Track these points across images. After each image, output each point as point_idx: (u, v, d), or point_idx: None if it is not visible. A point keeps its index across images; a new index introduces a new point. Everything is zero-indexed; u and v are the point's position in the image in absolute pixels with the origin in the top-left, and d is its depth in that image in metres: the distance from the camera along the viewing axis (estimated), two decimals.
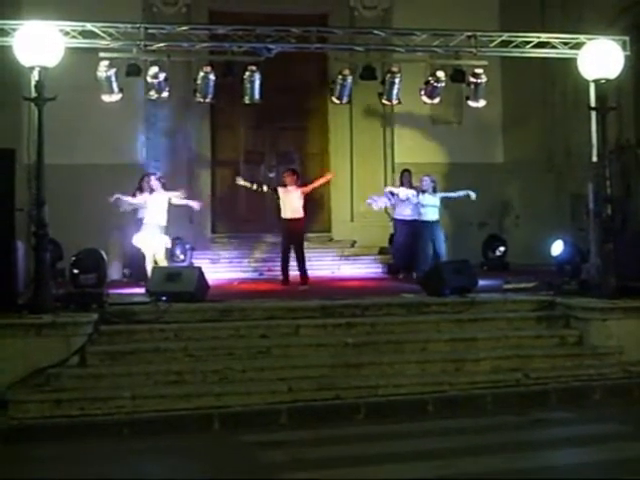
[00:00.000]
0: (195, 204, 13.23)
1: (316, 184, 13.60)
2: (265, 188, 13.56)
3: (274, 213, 14.20)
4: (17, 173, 9.63)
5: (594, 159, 11.29)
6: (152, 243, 12.72)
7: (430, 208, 13.58)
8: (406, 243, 14.29)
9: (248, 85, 12.75)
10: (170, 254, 13.85)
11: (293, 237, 13.21)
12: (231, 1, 16.47)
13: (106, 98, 12.48)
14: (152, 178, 13.08)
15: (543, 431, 8.05)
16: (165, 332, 9.52)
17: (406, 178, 14.59)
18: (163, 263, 12.68)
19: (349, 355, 9.42)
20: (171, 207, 12.90)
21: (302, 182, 13.49)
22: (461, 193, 13.63)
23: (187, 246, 14.89)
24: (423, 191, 13.63)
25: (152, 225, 12.73)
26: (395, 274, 14.71)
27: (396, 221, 14.64)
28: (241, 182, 13.74)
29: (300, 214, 13.17)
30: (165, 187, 12.97)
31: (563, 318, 10.43)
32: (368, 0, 17.00)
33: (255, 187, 13.62)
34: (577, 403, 8.88)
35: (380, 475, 6.77)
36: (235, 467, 7.04)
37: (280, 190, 13.26)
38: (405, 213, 14.27)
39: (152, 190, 12.93)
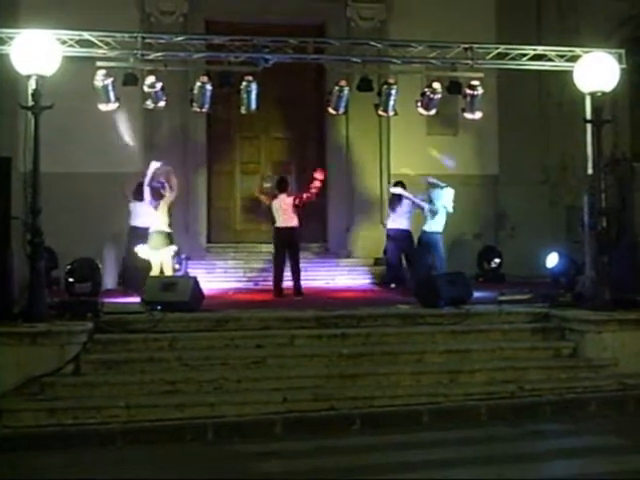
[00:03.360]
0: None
1: (311, 192, 13.66)
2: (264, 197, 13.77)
3: (268, 222, 14.22)
4: (13, 181, 9.63)
5: (589, 172, 11.31)
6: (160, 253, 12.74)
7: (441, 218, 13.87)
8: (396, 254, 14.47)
9: (245, 95, 12.76)
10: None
11: (290, 246, 13.27)
12: (228, 11, 16.46)
13: (103, 107, 12.47)
14: (173, 176, 13.07)
15: (537, 443, 8.04)
16: (160, 341, 9.51)
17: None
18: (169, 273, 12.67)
19: (344, 366, 9.42)
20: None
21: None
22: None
23: (182, 256, 14.84)
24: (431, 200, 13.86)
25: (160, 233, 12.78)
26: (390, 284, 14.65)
27: (395, 231, 14.66)
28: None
29: (294, 222, 13.23)
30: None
31: (558, 330, 10.43)
32: (365, 11, 17.02)
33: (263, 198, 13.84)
34: (572, 415, 8.87)
35: None
36: (229, 477, 7.02)
37: (275, 201, 13.40)
38: (394, 223, 14.49)
39: (162, 195, 12.92)
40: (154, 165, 13.02)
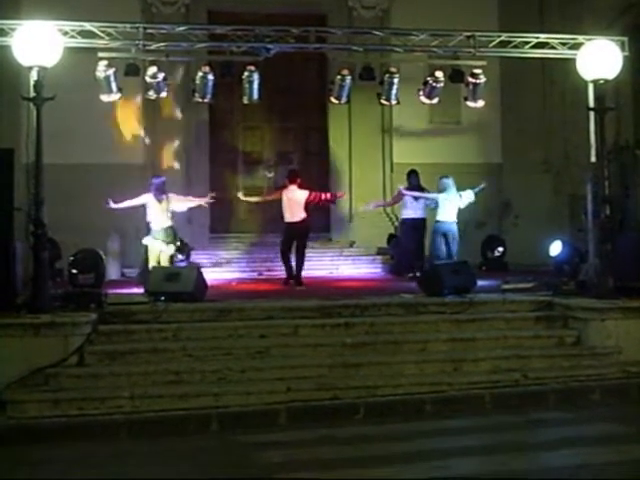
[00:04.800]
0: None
1: (323, 197, 13.58)
2: (269, 197, 13.76)
3: (272, 213, 14.23)
4: (16, 173, 9.63)
5: (592, 159, 11.29)
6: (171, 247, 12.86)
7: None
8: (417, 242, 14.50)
9: (247, 85, 12.76)
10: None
11: (299, 239, 13.22)
12: (230, 1, 16.47)
13: (105, 98, 12.48)
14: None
15: (541, 431, 8.05)
16: (163, 332, 9.51)
17: (414, 179, 14.62)
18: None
19: (348, 355, 9.42)
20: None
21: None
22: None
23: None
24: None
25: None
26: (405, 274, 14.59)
27: (415, 220, 14.64)
28: (243, 197, 13.86)
29: (303, 215, 13.17)
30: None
31: (561, 318, 10.42)
32: (367, 0, 17.00)
33: (260, 199, 13.87)
34: (575, 403, 8.88)
35: (378, 476, 6.76)
36: (233, 467, 7.03)
37: (284, 192, 13.28)
38: (417, 213, 14.50)
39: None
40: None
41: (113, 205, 12.52)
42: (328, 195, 13.83)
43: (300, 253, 13.23)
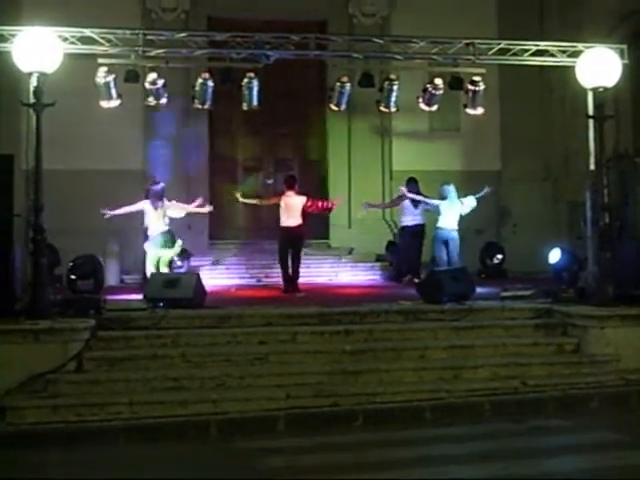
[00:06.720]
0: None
1: (321, 205, 13.62)
2: (268, 201, 13.82)
3: (270, 220, 14.23)
4: (15, 179, 9.63)
5: (592, 167, 11.31)
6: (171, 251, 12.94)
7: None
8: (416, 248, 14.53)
9: (246, 92, 12.78)
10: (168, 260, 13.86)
11: (295, 244, 13.22)
12: (230, 8, 16.47)
13: (105, 104, 12.50)
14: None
15: (540, 439, 8.04)
16: (162, 338, 9.51)
17: (412, 187, 14.59)
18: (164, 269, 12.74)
19: (347, 362, 9.42)
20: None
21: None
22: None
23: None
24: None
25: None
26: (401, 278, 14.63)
27: (416, 227, 14.66)
28: (241, 199, 13.86)
29: (299, 221, 13.18)
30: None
31: (561, 326, 10.42)
32: (367, 8, 17.04)
33: (258, 202, 13.89)
34: (574, 411, 8.87)
35: None
36: (232, 474, 7.03)
37: (283, 197, 13.29)
38: (416, 220, 14.53)
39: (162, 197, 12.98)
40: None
41: (109, 213, 12.55)
42: (326, 203, 13.86)
43: (297, 259, 13.24)
